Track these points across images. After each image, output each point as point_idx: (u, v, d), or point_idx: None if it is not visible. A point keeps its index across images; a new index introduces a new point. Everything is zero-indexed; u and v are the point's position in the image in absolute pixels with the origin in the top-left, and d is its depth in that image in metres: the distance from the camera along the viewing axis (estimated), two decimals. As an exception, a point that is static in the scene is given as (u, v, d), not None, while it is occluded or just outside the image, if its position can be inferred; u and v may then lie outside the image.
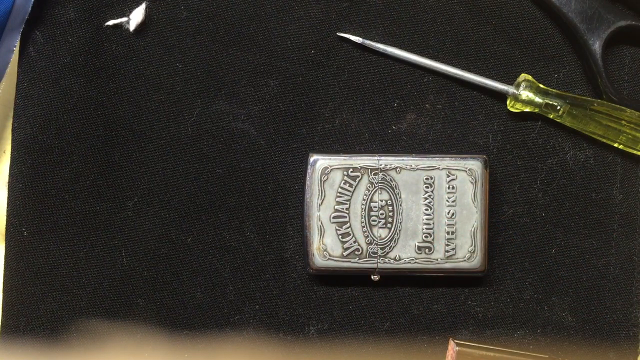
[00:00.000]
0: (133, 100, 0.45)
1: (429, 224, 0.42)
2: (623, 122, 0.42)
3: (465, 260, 0.42)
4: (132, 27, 0.44)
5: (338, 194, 0.42)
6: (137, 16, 0.44)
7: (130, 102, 0.45)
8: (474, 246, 0.42)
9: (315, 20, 0.44)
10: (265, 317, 0.44)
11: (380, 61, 0.45)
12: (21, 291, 0.44)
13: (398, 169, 0.42)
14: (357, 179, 0.42)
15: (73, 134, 0.44)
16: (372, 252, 0.42)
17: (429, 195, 0.42)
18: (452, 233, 0.42)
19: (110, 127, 0.44)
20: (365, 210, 0.42)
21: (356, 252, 0.42)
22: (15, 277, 0.44)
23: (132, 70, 0.44)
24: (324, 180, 0.42)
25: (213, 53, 0.44)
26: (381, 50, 0.44)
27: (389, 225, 0.42)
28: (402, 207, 0.42)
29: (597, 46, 0.43)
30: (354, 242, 0.42)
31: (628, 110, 0.42)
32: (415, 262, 0.42)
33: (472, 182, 0.42)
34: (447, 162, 0.42)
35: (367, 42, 0.44)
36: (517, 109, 0.43)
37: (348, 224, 0.42)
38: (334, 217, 0.42)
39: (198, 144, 0.44)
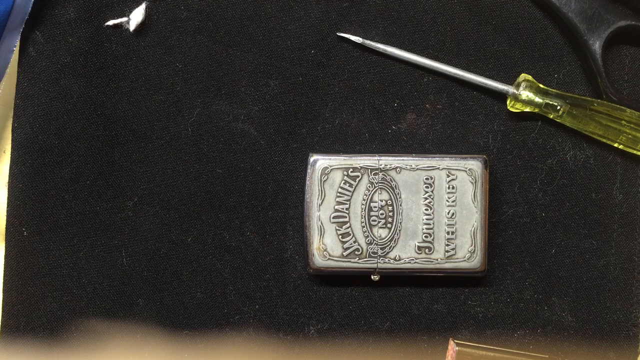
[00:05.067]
0: (133, 100, 0.45)
1: (429, 224, 0.42)
2: (623, 122, 0.42)
3: (465, 260, 0.42)
4: (132, 27, 0.44)
5: (338, 194, 0.42)
6: (137, 16, 0.44)
7: (130, 102, 0.45)
8: (474, 246, 0.42)
9: (315, 20, 0.44)
10: (265, 317, 0.44)
11: (380, 61, 0.45)
12: (21, 291, 0.44)
13: (398, 169, 0.42)
14: (357, 179, 0.42)
15: (73, 134, 0.44)
16: (372, 252, 0.42)
17: (429, 195, 0.42)
18: (452, 233, 0.42)
19: (110, 127, 0.44)
20: (365, 210, 0.42)
21: (356, 252, 0.42)
22: (15, 277, 0.44)
23: (132, 70, 0.44)
24: (324, 180, 0.42)
25: (213, 53, 0.44)
26: (381, 50, 0.44)
27: (389, 225, 0.42)
28: (402, 207, 0.42)
29: (597, 46, 0.43)
30: (354, 242, 0.42)
31: (628, 110, 0.42)
32: (415, 262, 0.42)
33: (472, 182, 0.42)
34: (447, 162, 0.42)
35: (367, 42, 0.44)
36: (517, 109, 0.43)
37: (348, 224, 0.42)
38: (334, 217, 0.42)
39: (198, 144, 0.44)
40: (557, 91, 0.43)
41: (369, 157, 0.42)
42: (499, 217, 0.44)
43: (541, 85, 0.43)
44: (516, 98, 0.43)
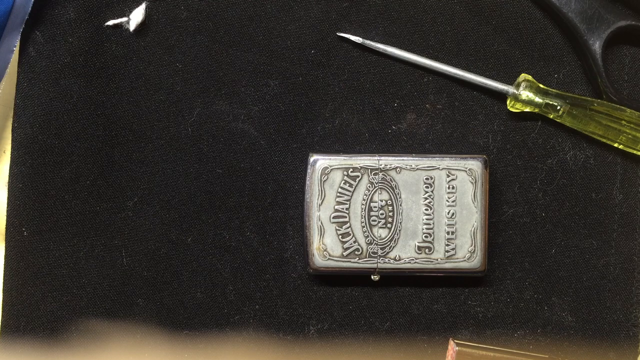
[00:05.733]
0: (133, 100, 0.45)
1: (429, 224, 0.42)
2: (623, 122, 0.42)
3: (465, 260, 0.42)
4: (132, 27, 0.44)
5: (338, 194, 0.42)
6: (137, 16, 0.44)
7: (130, 102, 0.45)
8: (474, 246, 0.42)
9: (315, 20, 0.44)
10: (265, 317, 0.44)
11: (380, 61, 0.45)
12: (21, 291, 0.44)
13: (398, 169, 0.42)
14: (357, 179, 0.42)
15: (73, 134, 0.44)
16: (372, 252, 0.42)
17: (429, 195, 0.42)
18: (452, 233, 0.42)
19: (110, 127, 0.44)
20: (365, 210, 0.42)
21: (356, 252, 0.42)
22: (15, 277, 0.44)
23: (132, 70, 0.44)
24: (324, 180, 0.42)
25: (213, 53, 0.44)
26: (381, 50, 0.44)
27: (389, 225, 0.42)
28: (402, 207, 0.42)
29: (597, 46, 0.43)
30: (354, 242, 0.42)
31: (628, 110, 0.42)
32: (415, 262, 0.42)
33: (472, 182, 0.42)
34: (447, 162, 0.42)
35: (367, 42, 0.44)
36: (517, 109, 0.43)
37: (348, 224, 0.42)
38: (334, 217, 0.42)
39: (198, 144, 0.44)
40: (557, 91, 0.43)
41: (369, 157, 0.42)
42: (499, 217, 0.44)
43: (541, 85, 0.43)
44: (516, 98, 0.43)
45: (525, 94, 0.43)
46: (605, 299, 0.44)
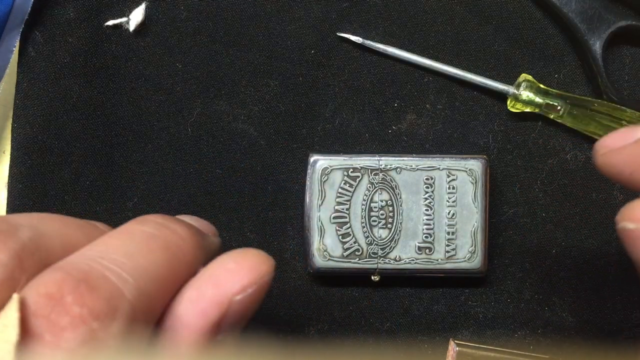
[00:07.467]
0: (133, 100, 0.44)
1: (429, 224, 0.42)
2: (623, 122, 0.42)
3: (465, 261, 0.42)
4: (132, 27, 0.44)
5: (338, 194, 0.42)
6: (137, 16, 0.44)
7: (130, 102, 0.44)
8: (475, 246, 0.42)
9: (315, 20, 0.44)
10: (265, 317, 0.44)
11: (380, 61, 0.45)
12: (21, 291, 0.44)
13: (398, 169, 0.42)
14: (357, 179, 0.42)
15: (73, 134, 0.44)
16: (372, 253, 0.42)
17: (429, 196, 0.42)
18: (453, 233, 0.42)
19: (110, 127, 0.44)
20: (365, 210, 0.42)
21: (356, 253, 0.42)
22: (15, 278, 0.44)
23: (132, 70, 0.44)
24: (324, 181, 0.42)
25: (213, 53, 0.44)
26: (381, 50, 0.44)
27: (389, 225, 0.42)
28: (402, 207, 0.42)
29: (597, 46, 0.43)
30: (354, 242, 0.42)
31: (628, 110, 0.42)
32: (415, 263, 0.42)
33: (472, 183, 0.42)
34: (448, 162, 0.42)
35: (367, 42, 0.44)
36: (517, 109, 0.43)
37: (348, 224, 0.42)
38: (334, 218, 0.42)
39: (198, 144, 0.44)
40: (558, 91, 0.43)
41: (369, 157, 0.42)
42: (499, 217, 0.44)
43: (541, 86, 0.43)
44: (516, 98, 0.43)
45: (526, 94, 0.43)
46: (606, 299, 0.44)
